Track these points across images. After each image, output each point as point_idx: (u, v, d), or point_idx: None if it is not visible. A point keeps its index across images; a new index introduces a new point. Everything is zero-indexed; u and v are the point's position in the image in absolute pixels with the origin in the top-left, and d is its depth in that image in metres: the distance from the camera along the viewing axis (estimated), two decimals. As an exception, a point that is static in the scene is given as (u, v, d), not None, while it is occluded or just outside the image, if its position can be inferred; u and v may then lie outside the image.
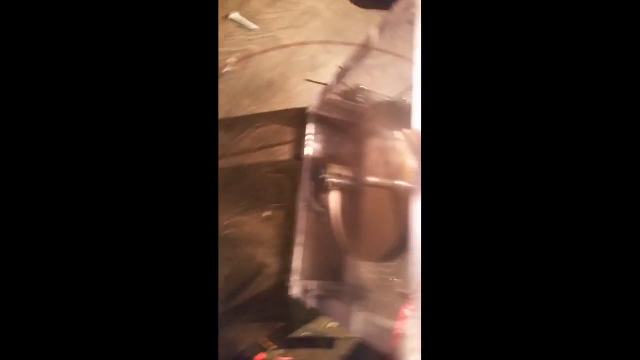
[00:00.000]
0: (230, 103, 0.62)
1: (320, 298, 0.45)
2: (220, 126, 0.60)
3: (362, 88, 0.63)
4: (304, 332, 0.60)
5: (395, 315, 0.49)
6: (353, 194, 0.53)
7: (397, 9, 0.37)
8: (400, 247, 0.40)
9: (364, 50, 0.44)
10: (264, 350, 0.57)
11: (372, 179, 0.46)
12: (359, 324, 0.34)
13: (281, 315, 0.59)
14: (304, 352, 0.59)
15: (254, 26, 0.66)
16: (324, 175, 0.47)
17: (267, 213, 0.61)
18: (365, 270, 0.54)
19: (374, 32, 0.41)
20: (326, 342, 0.61)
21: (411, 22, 0.35)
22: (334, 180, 0.46)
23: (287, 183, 0.63)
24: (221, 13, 0.63)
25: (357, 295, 0.51)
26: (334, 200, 0.52)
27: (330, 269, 0.59)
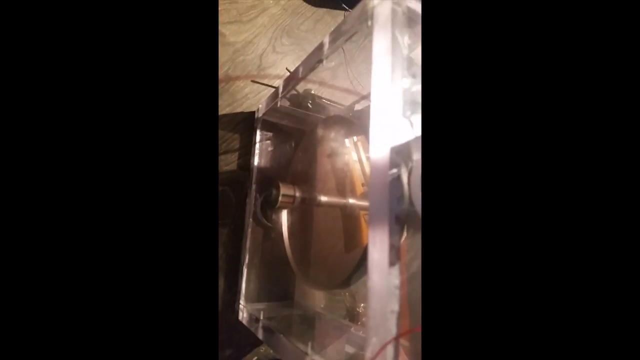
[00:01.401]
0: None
1: (268, 330, 0.41)
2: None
3: (312, 94, 0.59)
4: (253, 357, 0.56)
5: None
6: (303, 214, 0.50)
7: (351, 18, 0.33)
8: (355, 274, 0.37)
9: (316, 57, 0.40)
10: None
11: (323, 198, 0.43)
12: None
13: (228, 340, 0.54)
14: (253, 378, 0.56)
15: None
16: (273, 196, 0.43)
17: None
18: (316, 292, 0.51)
19: (326, 40, 0.38)
20: (277, 365, 0.57)
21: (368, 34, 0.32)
22: (284, 200, 0.42)
23: (231, 196, 0.57)
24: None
25: (306, 319, 0.48)
26: (283, 220, 0.48)
27: (280, 289, 0.56)
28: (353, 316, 0.53)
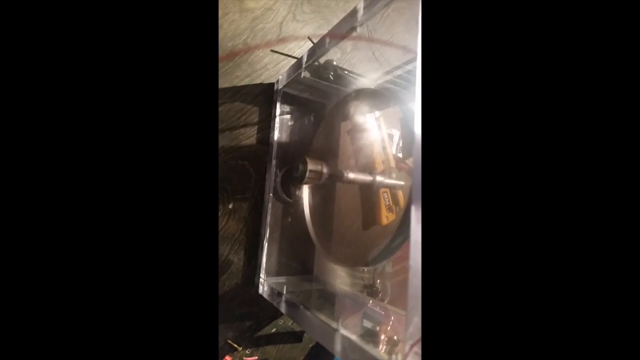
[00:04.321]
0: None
1: (291, 305, 0.41)
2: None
3: (334, 65, 0.56)
4: (272, 329, 0.57)
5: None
6: (327, 190, 0.49)
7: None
8: (384, 252, 0.37)
9: (347, 24, 0.38)
10: (233, 350, 0.53)
11: (351, 175, 0.42)
12: (340, 345, 0.31)
13: (248, 313, 0.55)
14: (271, 349, 0.57)
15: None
16: (300, 171, 0.41)
17: (230, 205, 0.55)
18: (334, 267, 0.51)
19: (360, 6, 0.35)
20: (294, 336, 0.58)
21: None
22: (311, 176, 0.41)
23: (251, 171, 0.56)
24: None
25: (325, 293, 0.48)
26: (305, 196, 0.47)
27: (299, 264, 0.56)
28: (371, 292, 0.53)
